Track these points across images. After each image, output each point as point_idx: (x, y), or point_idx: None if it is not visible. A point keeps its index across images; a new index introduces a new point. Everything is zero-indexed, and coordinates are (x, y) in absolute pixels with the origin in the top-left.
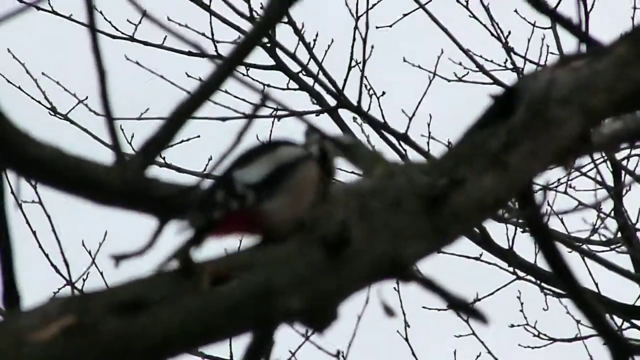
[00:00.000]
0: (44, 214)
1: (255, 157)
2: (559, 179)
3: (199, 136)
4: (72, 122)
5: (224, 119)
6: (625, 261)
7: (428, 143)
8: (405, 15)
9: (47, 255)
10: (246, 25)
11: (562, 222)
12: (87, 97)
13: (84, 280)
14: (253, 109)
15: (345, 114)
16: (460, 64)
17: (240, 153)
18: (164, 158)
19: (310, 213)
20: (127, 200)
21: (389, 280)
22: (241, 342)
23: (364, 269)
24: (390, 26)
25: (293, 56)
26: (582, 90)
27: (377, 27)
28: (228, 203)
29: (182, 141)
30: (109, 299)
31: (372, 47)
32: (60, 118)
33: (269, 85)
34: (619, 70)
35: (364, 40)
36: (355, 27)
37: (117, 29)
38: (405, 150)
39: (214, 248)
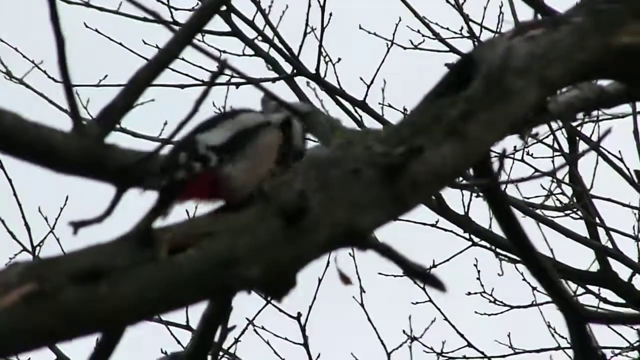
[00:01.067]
0: (5, 178)
1: (217, 122)
2: (515, 147)
3: (153, 100)
4: (27, 86)
5: (182, 87)
6: (580, 227)
7: (382, 109)
8: None
9: (3, 222)
10: None
11: (518, 189)
12: (42, 61)
13: (40, 246)
14: (211, 77)
15: (300, 81)
16: (418, 31)
17: (202, 120)
18: (119, 123)
19: (270, 181)
20: (86, 168)
21: (347, 248)
22: (198, 309)
23: (322, 237)
24: None
25: (250, 23)
26: (540, 59)
27: None
28: (191, 164)
29: (137, 105)
30: (69, 266)
31: (330, 14)
32: (16, 82)
33: (224, 52)
34: (576, 40)
35: (322, 8)
36: None
37: None
38: (361, 117)
39: (173, 216)
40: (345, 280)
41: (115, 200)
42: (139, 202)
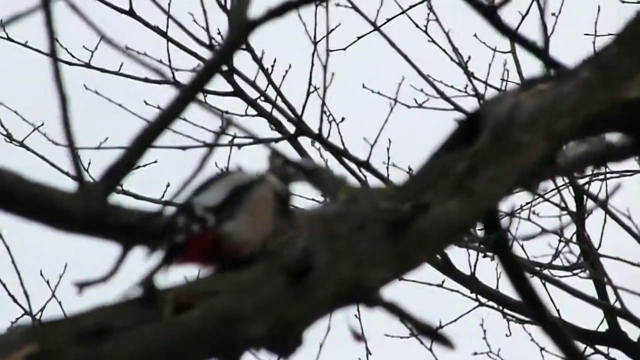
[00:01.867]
0: (3, 244)
1: (211, 183)
2: (521, 205)
3: (156, 161)
4: (28, 149)
5: (184, 148)
6: (588, 286)
7: (387, 169)
8: (359, 37)
9: (4, 285)
10: (205, 53)
11: (523, 249)
12: (42, 123)
13: (42, 311)
14: (215, 136)
15: (304, 140)
16: (421, 90)
17: (195, 184)
18: (121, 185)
19: (274, 238)
20: (90, 227)
21: (353, 305)
22: None
23: (328, 294)
24: (344, 49)
25: (252, 84)
26: (547, 113)
27: (331, 51)
28: (189, 227)
29: (139, 167)
30: (72, 326)
31: (333, 74)
32: (17, 145)
33: (226, 112)
34: (583, 94)
35: (324, 67)
36: (314, 53)
37: (73, 56)
38: (365, 177)
39: (178, 276)
40: (357, 337)
41: (120, 259)
42: (142, 262)
